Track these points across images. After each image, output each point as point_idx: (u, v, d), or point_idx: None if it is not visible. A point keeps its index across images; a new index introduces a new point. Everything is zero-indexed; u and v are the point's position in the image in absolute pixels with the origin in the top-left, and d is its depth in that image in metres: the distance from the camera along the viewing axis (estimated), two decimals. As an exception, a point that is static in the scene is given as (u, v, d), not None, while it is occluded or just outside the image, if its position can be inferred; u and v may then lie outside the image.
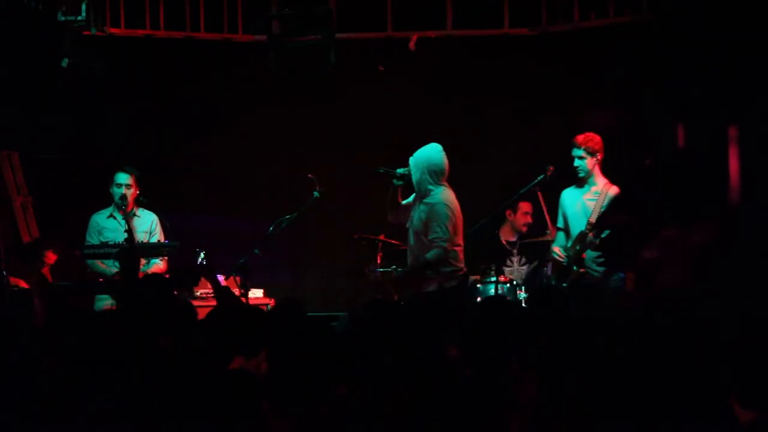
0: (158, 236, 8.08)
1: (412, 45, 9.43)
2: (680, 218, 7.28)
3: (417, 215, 7.50)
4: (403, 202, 7.72)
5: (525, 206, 8.81)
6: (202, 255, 7.24)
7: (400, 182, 7.59)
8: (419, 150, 7.54)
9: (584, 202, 7.46)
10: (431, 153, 7.51)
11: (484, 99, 9.70)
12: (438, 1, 9.50)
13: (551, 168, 7.53)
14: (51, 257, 8.48)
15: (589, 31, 9.25)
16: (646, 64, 8.49)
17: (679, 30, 8.18)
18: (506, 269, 8.64)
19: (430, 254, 7.36)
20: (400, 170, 7.58)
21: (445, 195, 7.46)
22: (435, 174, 7.46)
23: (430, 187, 7.46)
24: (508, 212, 8.81)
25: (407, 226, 7.62)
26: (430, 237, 7.39)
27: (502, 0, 9.42)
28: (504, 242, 8.83)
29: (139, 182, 8.04)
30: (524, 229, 8.84)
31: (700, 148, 7.84)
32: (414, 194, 7.65)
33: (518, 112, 9.57)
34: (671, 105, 8.18)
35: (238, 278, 8.09)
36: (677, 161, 8.03)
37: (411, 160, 7.52)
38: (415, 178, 7.49)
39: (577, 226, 7.45)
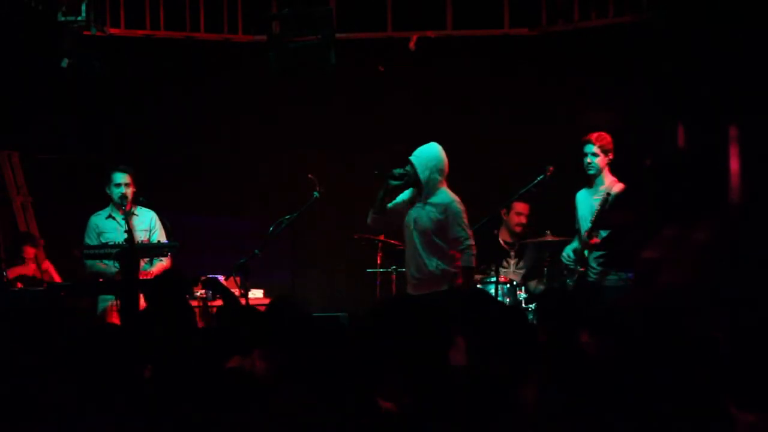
0: (159, 233, 8.07)
1: (412, 45, 9.43)
2: (680, 218, 7.28)
3: (425, 216, 7.32)
4: (389, 205, 7.54)
5: (519, 206, 8.80)
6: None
7: (398, 182, 7.42)
8: (422, 149, 7.40)
9: (592, 202, 7.47)
10: (437, 151, 7.35)
11: (484, 99, 9.69)
12: (438, 1, 9.50)
13: (551, 168, 7.52)
14: (29, 251, 8.45)
15: (589, 31, 9.25)
16: (646, 64, 8.49)
17: (679, 30, 8.17)
18: (502, 270, 8.63)
19: (466, 260, 7.24)
20: (397, 170, 7.41)
21: (452, 194, 7.35)
22: (442, 173, 7.34)
23: (437, 186, 7.37)
24: (502, 211, 8.79)
25: (411, 227, 7.43)
26: (453, 237, 7.26)
27: (502, 0, 9.42)
28: (502, 242, 8.83)
29: (136, 180, 8.02)
30: (517, 229, 8.84)
31: (700, 148, 7.84)
32: (400, 196, 7.54)
33: (518, 112, 9.57)
34: (671, 105, 8.18)
35: (238, 278, 8.09)
36: (677, 161, 8.03)
37: (415, 159, 7.34)
38: (423, 176, 7.28)
39: (585, 226, 7.46)
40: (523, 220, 8.83)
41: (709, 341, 3.59)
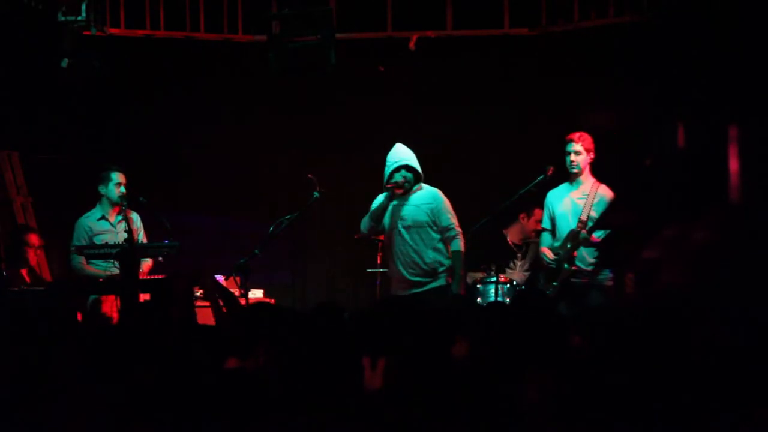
0: (142, 233, 8.10)
1: (412, 45, 9.43)
2: (680, 218, 7.28)
3: (412, 212, 7.54)
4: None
5: (539, 213, 8.82)
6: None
7: (401, 188, 7.65)
8: (402, 150, 7.68)
9: (573, 200, 7.49)
10: (408, 149, 7.64)
11: (484, 99, 9.69)
12: (438, 1, 9.50)
13: (551, 168, 7.54)
14: (34, 240, 8.36)
15: (589, 31, 9.24)
16: (646, 64, 8.48)
17: (679, 30, 8.17)
18: (507, 270, 8.63)
19: (457, 245, 7.45)
20: (397, 178, 7.61)
21: (434, 188, 7.62)
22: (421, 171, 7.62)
23: (421, 183, 7.64)
24: (522, 216, 8.83)
25: (398, 227, 7.60)
26: (444, 224, 7.51)
27: (502, 0, 9.42)
28: (511, 243, 8.85)
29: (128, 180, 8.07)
30: (533, 235, 8.88)
31: (700, 148, 7.84)
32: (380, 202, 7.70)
33: (518, 112, 9.57)
34: (671, 105, 8.18)
35: (238, 278, 8.08)
36: (677, 161, 8.03)
37: (407, 161, 7.58)
38: (414, 175, 7.58)
39: (566, 225, 7.48)
40: (539, 226, 8.87)
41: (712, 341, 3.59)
